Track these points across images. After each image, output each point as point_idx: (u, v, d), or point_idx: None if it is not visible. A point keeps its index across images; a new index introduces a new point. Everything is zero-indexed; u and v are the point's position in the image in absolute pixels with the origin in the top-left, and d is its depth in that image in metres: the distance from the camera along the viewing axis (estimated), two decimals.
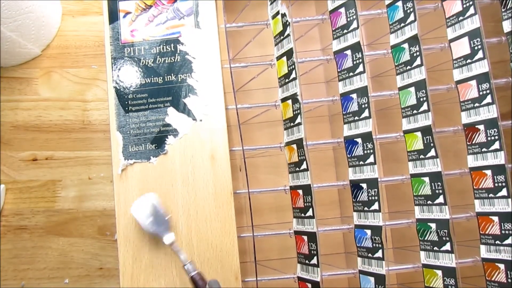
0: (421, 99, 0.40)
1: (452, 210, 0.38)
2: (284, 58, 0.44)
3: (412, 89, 0.41)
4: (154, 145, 0.43)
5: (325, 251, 0.40)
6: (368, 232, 0.40)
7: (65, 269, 0.66)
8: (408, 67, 0.41)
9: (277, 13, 0.45)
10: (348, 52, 0.42)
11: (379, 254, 0.39)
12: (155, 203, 0.41)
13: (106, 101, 0.46)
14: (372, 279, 0.39)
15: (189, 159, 0.43)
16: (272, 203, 0.58)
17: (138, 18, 0.46)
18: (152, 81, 0.45)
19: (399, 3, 0.42)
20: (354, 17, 0.41)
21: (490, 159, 0.38)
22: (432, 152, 0.39)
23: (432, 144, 0.39)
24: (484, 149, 0.39)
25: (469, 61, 0.40)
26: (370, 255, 0.40)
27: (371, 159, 0.40)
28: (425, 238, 0.40)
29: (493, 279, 0.37)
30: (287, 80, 0.43)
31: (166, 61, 0.45)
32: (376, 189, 0.39)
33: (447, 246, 0.38)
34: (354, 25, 0.41)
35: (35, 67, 0.70)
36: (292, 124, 0.43)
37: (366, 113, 0.40)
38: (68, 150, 0.68)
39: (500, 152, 0.37)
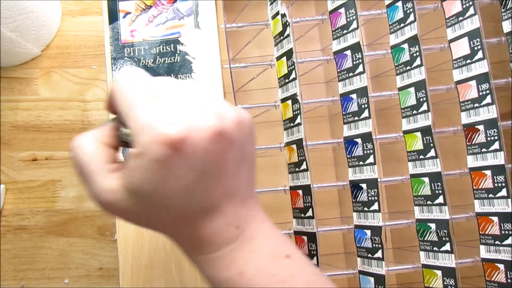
0: (421, 100, 0.40)
1: (452, 210, 0.38)
2: (284, 59, 0.44)
3: (412, 89, 0.41)
4: None
5: (325, 251, 0.40)
6: (368, 232, 0.40)
7: (65, 269, 0.66)
8: (408, 67, 0.41)
9: (277, 13, 0.45)
10: (348, 52, 0.42)
11: (378, 254, 0.39)
12: None
13: None
14: (372, 279, 0.39)
15: None
16: (272, 203, 0.58)
17: (138, 18, 0.46)
18: None
19: (399, 4, 0.42)
20: (354, 17, 0.41)
21: (490, 160, 0.38)
22: (432, 153, 0.39)
23: (432, 145, 0.39)
24: (483, 150, 0.39)
25: (468, 61, 0.40)
26: (369, 255, 0.40)
27: (371, 160, 0.40)
28: (425, 238, 0.40)
29: (492, 279, 0.37)
30: (287, 81, 0.43)
31: (166, 62, 0.45)
32: (376, 189, 0.39)
33: (447, 246, 0.38)
34: (354, 25, 0.41)
35: (35, 67, 0.69)
36: (292, 124, 0.43)
37: (366, 114, 0.40)
38: (68, 150, 0.68)
39: (500, 152, 0.38)
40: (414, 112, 0.40)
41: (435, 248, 0.39)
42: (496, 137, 0.38)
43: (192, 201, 0.22)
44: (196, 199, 0.22)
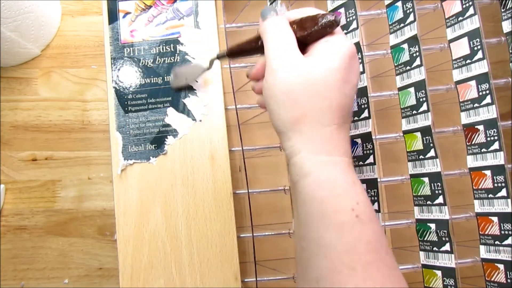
0: (421, 100, 0.40)
1: (452, 210, 0.38)
2: None
3: (412, 89, 0.41)
4: (153, 145, 0.43)
5: None
6: None
7: (65, 269, 0.66)
8: (408, 68, 0.41)
9: None
10: None
11: None
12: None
13: (105, 101, 0.46)
14: None
15: (188, 159, 0.43)
16: (271, 203, 0.58)
17: (137, 18, 0.46)
18: (152, 82, 0.45)
19: (399, 3, 0.42)
20: (354, 17, 0.41)
21: (490, 160, 0.38)
22: (431, 153, 0.39)
23: (431, 145, 0.39)
24: (483, 150, 0.39)
25: (468, 61, 0.40)
26: None
27: (370, 160, 0.40)
28: (425, 239, 0.40)
29: (492, 279, 0.37)
30: None
31: (166, 62, 0.45)
32: (375, 189, 0.39)
33: (447, 247, 0.38)
34: (354, 25, 0.41)
35: (35, 67, 0.69)
36: None
37: (365, 114, 0.40)
38: (67, 150, 0.68)
39: (500, 152, 0.38)
40: (414, 112, 0.40)
41: (435, 248, 0.39)
42: (496, 137, 0.38)
43: (352, 98, 0.30)
44: (353, 98, 0.30)
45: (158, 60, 0.45)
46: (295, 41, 0.30)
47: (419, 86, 0.40)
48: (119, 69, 0.45)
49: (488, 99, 0.38)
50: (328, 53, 0.29)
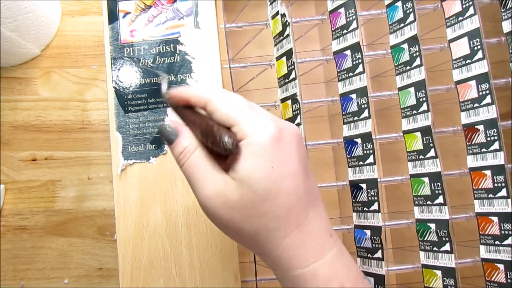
0: (421, 99, 0.40)
1: (452, 210, 0.38)
2: (284, 59, 0.44)
3: (412, 89, 0.41)
4: (153, 145, 0.43)
5: None
6: (368, 232, 0.40)
7: (65, 269, 0.66)
8: (408, 67, 0.41)
9: (277, 13, 0.45)
10: (348, 52, 0.42)
11: (378, 254, 0.39)
12: None
13: (105, 101, 0.46)
14: (371, 279, 0.39)
15: None
16: None
17: (137, 18, 0.46)
18: (152, 81, 0.45)
19: (399, 3, 0.42)
20: (354, 17, 0.41)
21: (490, 160, 0.38)
22: (431, 153, 0.39)
23: (431, 145, 0.39)
24: (483, 150, 0.39)
25: (468, 61, 0.40)
26: (369, 255, 0.40)
27: (370, 160, 0.40)
28: (425, 239, 0.40)
29: (492, 279, 0.37)
30: (286, 81, 0.43)
31: (166, 62, 0.45)
32: (375, 189, 0.39)
33: (447, 247, 0.38)
34: (354, 25, 0.41)
35: (35, 67, 0.69)
36: None
37: (365, 114, 0.40)
38: (67, 150, 0.68)
39: (500, 152, 0.38)
40: (414, 112, 0.40)
41: (435, 248, 0.39)
42: (496, 137, 0.38)
43: (297, 190, 0.23)
44: (300, 189, 0.24)
45: (158, 60, 0.45)
46: (207, 159, 0.25)
47: (419, 86, 0.40)
48: (119, 69, 0.45)
49: (488, 99, 0.38)
50: (249, 166, 0.23)
